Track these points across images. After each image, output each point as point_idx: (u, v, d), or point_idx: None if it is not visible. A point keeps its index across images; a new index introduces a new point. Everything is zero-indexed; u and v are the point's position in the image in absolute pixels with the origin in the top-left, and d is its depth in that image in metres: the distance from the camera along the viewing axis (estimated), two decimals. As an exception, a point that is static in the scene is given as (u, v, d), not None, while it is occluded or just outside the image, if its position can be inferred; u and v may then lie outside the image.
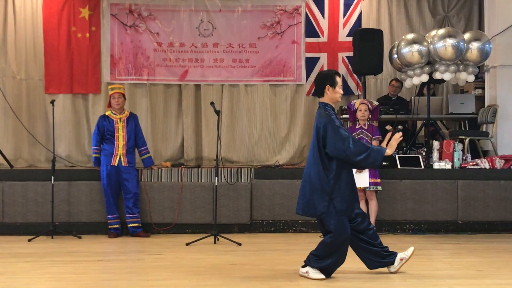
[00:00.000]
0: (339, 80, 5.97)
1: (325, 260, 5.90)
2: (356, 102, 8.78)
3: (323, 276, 5.88)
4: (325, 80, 5.96)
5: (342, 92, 6.11)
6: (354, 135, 8.52)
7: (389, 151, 5.80)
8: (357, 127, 8.65)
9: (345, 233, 5.83)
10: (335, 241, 5.83)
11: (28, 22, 10.89)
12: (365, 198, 8.46)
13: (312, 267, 5.93)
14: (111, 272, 6.37)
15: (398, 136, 5.85)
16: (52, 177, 8.50)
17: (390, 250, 6.09)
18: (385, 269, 6.12)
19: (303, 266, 6.04)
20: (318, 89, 6.02)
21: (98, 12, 11.00)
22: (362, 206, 8.48)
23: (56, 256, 7.16)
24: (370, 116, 8.63)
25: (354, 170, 8.26)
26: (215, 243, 7.92)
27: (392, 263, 6.07)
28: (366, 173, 8.25)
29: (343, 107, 10.22)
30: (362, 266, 6.16)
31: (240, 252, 7.42)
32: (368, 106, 8.61)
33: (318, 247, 5.96)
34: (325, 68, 11.15)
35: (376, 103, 8.86)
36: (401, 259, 6.07)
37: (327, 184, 5.80)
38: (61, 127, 10.74)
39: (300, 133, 11.18)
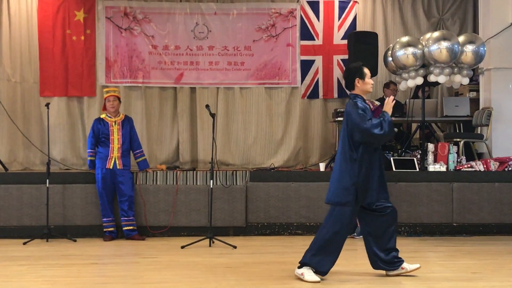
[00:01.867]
0: (367, 71, 6.11)
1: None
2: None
3: (317, 279, 5.88)
4: (354, 73, 6.11)
5: (373, 82, 6.23)
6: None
7: (388, 112, 6.00)
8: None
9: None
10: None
11: (23, 25, 10.88)
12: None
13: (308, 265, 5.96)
14: (106, 276, 6.36)
15: (390, 101, 6.07)
16: (47, 180, 8.48)
17: (399, 255, 6.11)
18: (379, 272, 6.12)
19: (298, 267, 6.03)
20: (348, 83, 6.16)
21: (93, 15, 11.00)
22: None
23: (51, 259, 7.14)
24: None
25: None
26: (210, 246, 7.92)
27: (395, 268, 6.08)
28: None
29: (338, 110, 10.23)
30: (356, 268, 6.16)
31: (235, 255, 7.41)
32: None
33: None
34: (320, 71, 11.19)
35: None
36: (402, 268, 6.07)
37: (350, 174, 5.90)
38: (56, 130, 10.74)
39: (295, 136, 11.19)
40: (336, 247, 5.95)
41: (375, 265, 6.12)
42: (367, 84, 6.09)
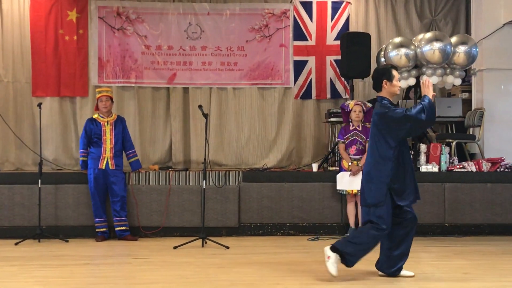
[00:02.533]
0: (395, 73, 6.09)
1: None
2: (351, 103, 8.82)
3: (335, 273, 5.88)
4: (382, 75, 6.11)
5: (401, 85, 6.22)
6: (348, 137, 8.58)
7: (430, 95, 5.91)
8: (351, 128, 8.68)
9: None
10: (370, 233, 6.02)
11: (15, 25, 10.84)
12: (355, 200, 8.50)
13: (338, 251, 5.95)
14: (98, 276, 6.35)
15: (427, 82, 5.98)
16: (39, 181, 8.46)
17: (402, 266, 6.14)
18: (372, 271, 6.13)
19: (331, 249, 5.98)
20: (376, 84, 6.16)
21: (86, 15, 10.96)
22: (352, 208, 8.53)
23: (43, 260, 7.13)
24: (363, 118, 8.67)
25: (347, 173, 8.39)
26: (203, 246, 7.91)
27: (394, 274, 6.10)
28: (359, 176, 8.28)
29: (331, 111, 10.25)
30: (348, 268, 6.17)
31: (228, 255, 7.41)
32: (362, 107, 8.65)
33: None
34: (313, 72, 11.19)
35: (369, 104, 8.89)
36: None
37: (384, 174, 5.95)
38: (48, 130, 10.70)
39: (288, 137, 11.19)
40: (369, 246, 6.01)
41: (377, 265, 6.15)
42: (394, 87, 6.07)
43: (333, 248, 5.95)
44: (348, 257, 5.94)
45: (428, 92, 5.94)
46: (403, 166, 5.96)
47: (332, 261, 5.92)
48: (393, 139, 5.94)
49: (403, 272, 6.08)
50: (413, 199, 6.06)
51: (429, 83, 6.00)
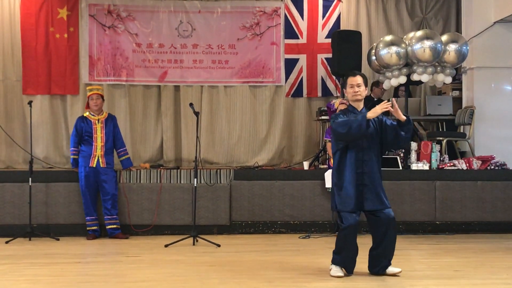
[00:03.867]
0: (348, 80, 6.06)
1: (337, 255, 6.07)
2: (336, 102, 8.83)
3: (341, 274, 5.97)
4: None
5: (357, 90, 6.00)
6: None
7: (369, 114, 5.83)
8: (332, 131, 8.67)
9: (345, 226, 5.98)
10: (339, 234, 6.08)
11: (5, 23, 10.80)
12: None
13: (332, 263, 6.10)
14: (88, 274, 6.33)
15: (385, 103, 5.87)
16: (30, 179, 8.43)
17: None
18: (363, 270, 6.15)
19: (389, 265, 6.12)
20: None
21: (77, 13, 10.93)
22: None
23: (33, 258, 7.10)
24: None
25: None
26: (194, 244, 7.90)
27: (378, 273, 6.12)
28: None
29: (322, 109, 10.27)
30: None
31: (219, 253, 7.41)
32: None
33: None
34: (304, 70, 11.21)
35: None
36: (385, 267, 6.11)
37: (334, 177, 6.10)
38: (39, 128, 10.68)
39: (279, 135, 11.20)
40: (344, 246, 6.10)
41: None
42: (348, 93, 6.11)
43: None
44: (340, 263, 6.04)
45: (375, 110, 5.83)
46: (344, 171, 6.00)
47: (333, 270, 6.06)
48: (336, 144, 6.09)
49: (389, 270, 6.06)
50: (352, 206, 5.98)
51: (384, 108, 5.87)
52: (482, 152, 9.79)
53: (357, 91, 6.01)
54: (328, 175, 8.61)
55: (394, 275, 6.02)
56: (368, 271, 6.13)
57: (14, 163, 10.71)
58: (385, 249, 6.03)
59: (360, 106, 6.08)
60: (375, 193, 5.96)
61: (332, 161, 8.55)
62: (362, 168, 5.97)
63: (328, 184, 8.59)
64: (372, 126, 5.95)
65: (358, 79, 6.03)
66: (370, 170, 5.97)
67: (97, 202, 8.60)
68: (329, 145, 8.68)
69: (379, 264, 6.07)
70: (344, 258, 6.03)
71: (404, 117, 5.90)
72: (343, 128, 5.88)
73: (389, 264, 6.07)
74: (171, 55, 11.11)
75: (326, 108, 10.01)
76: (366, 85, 6.10)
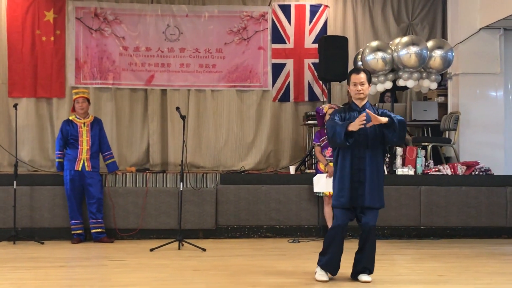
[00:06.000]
0: (351, 78, 6.04)
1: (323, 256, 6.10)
2: (325, 107, 8.85)
3: (326, 279, 6.00)
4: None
5: (359, 89, 5.99)
6: (323, 139, 8.62)
7: (350, 127, 5.81)
8: (325, 131, 8.70)
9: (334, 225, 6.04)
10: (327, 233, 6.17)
11: (-9, 25, 10.75)
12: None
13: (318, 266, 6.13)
14: (73, 278, 6.31)
15: (361, 117, 5.80)
16: (15, 182, 8.39)
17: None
18: (347, 275, 6.17)
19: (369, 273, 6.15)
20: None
21: (63, 16, 10.90)
22: (329, 211, 8.55)
23: (18, 262, 7.07)
24: None
25: (324, 175, 8.43)
26: (179, 248, 7.90)
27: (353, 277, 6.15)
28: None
29: (308, 113, 10.30)
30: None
31: (205, 257, 7.41)
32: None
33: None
34: (291, 74, 11.24)
35: (335, 106, 8.93)
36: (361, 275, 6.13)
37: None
38: (24, 131, 10.63)
39: (266, 139, 11.21)
40: (328, 245, 6.14)
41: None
42: (351, 91, 6.16)
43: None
44: (324, 266, 6.07)
45: (355, 124, 5.79)
46: (342, 170, 6.03)
47: (317, 274, 6.07)
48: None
49: (361, 276, 6.06)
50: (345, 202, 6.01)
51: (361, 121, 5.82)
52: (466, 158, 9.86)
53: (360, 90, 5.99)
54: (316, 179, 8.62)
55: (364, 281, 6.00)
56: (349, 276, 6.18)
57: (-1, 166, 10.66)
58: (366, 255, 6.07)
59: (362, 103, 6.05)
60: (370, 190, 5.96)
61: (320, 165, 8.64)
62: (359, 165, 5.96)
63: (317, 188, 8.60)
64: (365, 132, 5.95)
65: (362, 76, 5.98)
66: (368, 167, 5.96)
67: (82, 205, 8.57)
68: (317, 149, 8.69)
69: (355, 268, 6.12)
70: (329, 260, 6.04)
71: (386, 119, 5.87)
72: (329, 131, 5.97)
73: (367, 272, 6.08)
74: (158, 59, 11.09)
75: (313, 113, 10.03)
76: (370, 82, 6.04)
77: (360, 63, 9.72)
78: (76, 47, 10.90)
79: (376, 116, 5.85)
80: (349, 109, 6.13)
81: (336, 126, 5.90)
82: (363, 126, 5.80)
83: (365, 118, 5.77)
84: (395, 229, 8.94)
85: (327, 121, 6.02)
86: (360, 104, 6.06)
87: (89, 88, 10.59)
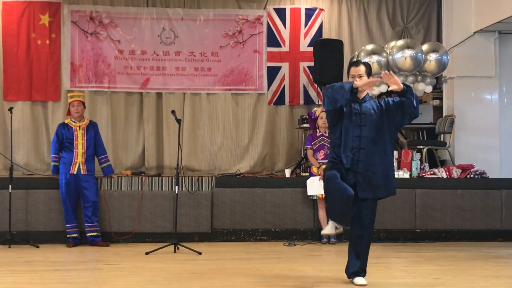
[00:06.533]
0: (351, 70, 5.98)
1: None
2: (317, 110, 8.87)
3: (333, 232, 5.87)
4: None
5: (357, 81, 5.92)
6: (315, 143, 8.65)
7: (357, 83, 5.73)
8: (318, 134, 8.77)
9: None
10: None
11: (-14, 29, 10.73)
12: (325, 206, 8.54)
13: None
14: (68, 282, 6.29)
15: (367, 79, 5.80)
16: (10, 186, 8.38)
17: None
18: (343, 278, 6.17)
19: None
20: None
21: (59, 19, 10.87)
22: (323, 213, 8.57)
23: (13, 266, 7.05)
24: None
25: (317, 178, 8.44)
26: (175, 252, 7.89)
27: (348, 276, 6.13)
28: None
29: (304, 116, 10.31)
30: (320, 274, 6.18)
31: (200, 261, 7.40)
32: None
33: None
34: (287, 78, 11.25)
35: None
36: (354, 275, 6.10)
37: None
38: (19, 135, 10.60)
39: (261, 142, 11.21)
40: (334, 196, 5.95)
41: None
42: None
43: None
44: (334, 217, 5.84)
45: (361, 82, 5.75)
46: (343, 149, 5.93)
47: (328, 228, 5.90)
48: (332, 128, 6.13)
49: (356, 279, 6.00)
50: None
51: (368, 81, 5.81)
52: (462, 161, 9.88)
53: None
54: (310, 182, 8.64)
55: (360, 285, 5.96)
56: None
57: (-6, 169, 10.63)
58: (360, 251, 6.02)
59: (362, 95, 5.94)
60: (367, 181, 5.86)
61: (313, 168, 8.66)
62: (358, 155, 5.83)
63: (310, 191, 8.62)
64: (371, 108, 5.88)
65: (361, 69, 5.89)
66: (367, 159, 5.83)
67: (78, 209, 8.56)
68: (309, 152, 8.72)
69: (347, 267, 6.09)
70: (337, 210, 5.76)
71: (402, 86, 5.75)
72: (330, 89, 5.78)
73: (361, 272, 6.04)
74: (154, 62, 11.09)
75: (307, 116, 10.05)
76: (369, 75, 5.93)
77: (355, 66, 9.72)
78: (71, 50, 10.88)
79: (393, 75, 5.76)
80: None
81: (340, 83, 5.81)
82: (377, 81, 5.87)
83: (379, 79, 5.82)
84: (390, 232, 8.95)
85: (326, 87, 5.79)
86: (360, 96, 5.96)
87: (85, 92, 10.57)
